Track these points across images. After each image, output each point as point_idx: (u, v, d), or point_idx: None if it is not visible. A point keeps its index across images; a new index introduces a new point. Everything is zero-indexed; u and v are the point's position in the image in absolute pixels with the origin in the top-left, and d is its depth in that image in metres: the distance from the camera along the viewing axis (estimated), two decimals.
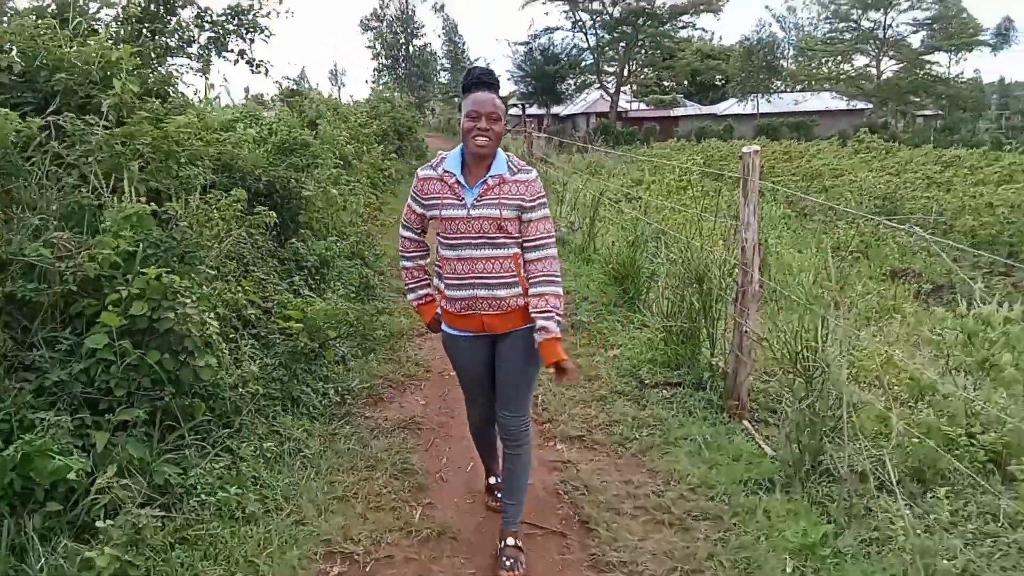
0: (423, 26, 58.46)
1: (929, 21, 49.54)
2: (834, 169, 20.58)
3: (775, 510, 3.42)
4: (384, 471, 3.89)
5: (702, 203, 9.31)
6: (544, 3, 50.85)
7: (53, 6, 5.54)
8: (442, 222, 2.94)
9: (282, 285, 5.50)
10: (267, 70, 10.60)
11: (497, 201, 2.86)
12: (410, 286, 3.26)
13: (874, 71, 51.32)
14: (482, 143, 2.84)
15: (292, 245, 6.28)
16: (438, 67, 60.75)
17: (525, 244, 2.92)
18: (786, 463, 3.75)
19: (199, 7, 9.29)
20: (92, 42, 4.74)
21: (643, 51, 51.21)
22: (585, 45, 51.07)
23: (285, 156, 7.40)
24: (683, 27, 52.01)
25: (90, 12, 5.89)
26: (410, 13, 55.56)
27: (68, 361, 3.20)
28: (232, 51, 9.99)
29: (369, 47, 56.19)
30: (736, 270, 4.59)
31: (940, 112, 51.13)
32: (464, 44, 61.79)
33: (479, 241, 2.88)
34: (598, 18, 49.86)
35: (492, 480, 3.66)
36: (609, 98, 50.70)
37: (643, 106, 53.16)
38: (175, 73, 6.87)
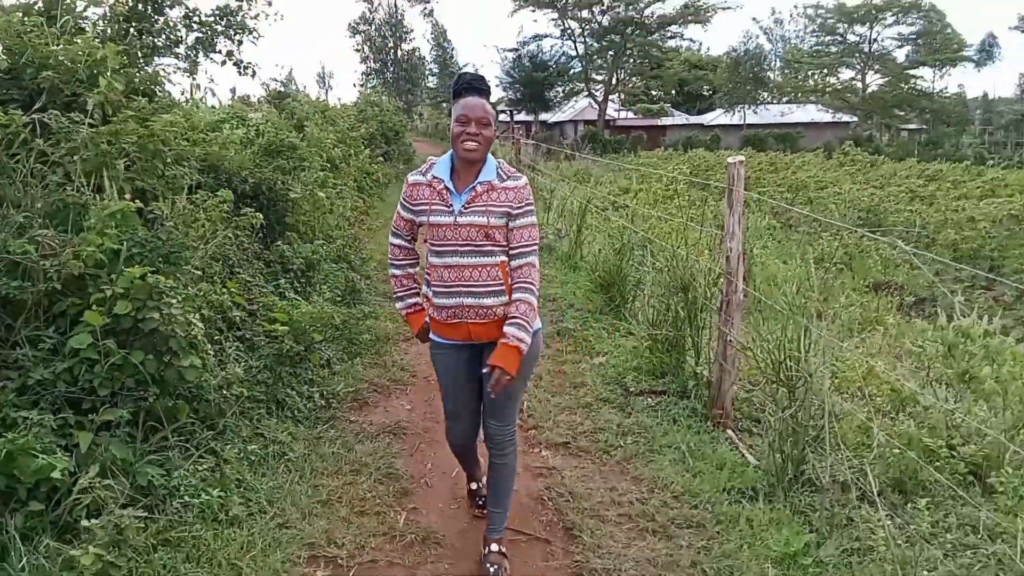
0: (412, 30, 58.38)
1: (914, 36, 50.21)
2: (819, 181, 20.76)
3: (758, 519, 3.44)
4: (369, 475, 3.88)
5: (688, 212, 9.37)
6: (533, 11, 50.76)
7: (40, 3, 5.50)
8: (430, 228, 2.91)
9: (268, 287, 5.49)
10: (254, 72, 10.60)
11: (485, 208, 2.83)
12: (399, 294, 3.20)
13: (859, 84, 51.90)
14: (471, 148, 2.81)
15: (278, 248, 6.26)
16: (426, 72, 60.66)
17: (510, 251, 2.88)
18: (769, 472, 3.78)
19: (187, 7, 9.27)
20: (79, 40, 4.71)
21: (631, 60, 51.48)
22: (574, 53, 51.27)
23: (272, 158, 7.38)
24: (671, 37, 52.35)
25: (77, 10, 5.86)
26: (399, 17, 55.51)
27: (51, 360, 3.18)
28: (220, 52, 9.98)
29: (357, 50, 56.06)
30: (721, 279, 4.62)
31: (924, 126, 51.74)
32: (453, 49, 61.75)
33: (466, 248, 2.85)
34: (587, 26, 50.08)
35: (474, 486, 3.64)
36: (597, 106, 50.88)
37: (631, 115, 53.36)
38: (162, 73, 6.85)
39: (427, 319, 3.12)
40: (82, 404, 3.14)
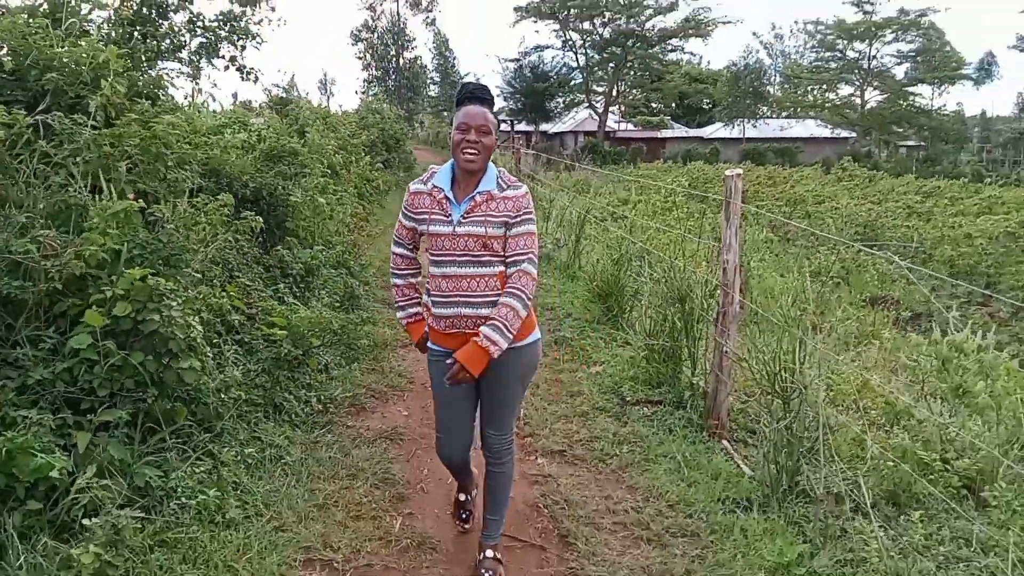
0: (414, 39, 58.68)
1: (913, 54, 50.44)
2: (817, 196, 20.85)
3: (752, 529, 3.45)
4: (365, 480, 3.89)
5: (686, 224, 9.41)
6: (535, 21, 51.10)
7: (45, 6, 5.54)
8: (429, 238, 2.91)
9: (267, 292, 5.50)
10: (257, 77, 10.63)
11: (483, 218, 2.81)
12: (399, 304, 3.18)
13: (858, 100, 52.09)
14: (470, 157, 2.80)
15: (278, 252, 6.28)
16: (428, 80, 60.86)
17: (506, 259, 2.86)
18: (764, 483, 3.80)
19: (191, 12, 9.30)
20: (83, 43, 4.75)
21: (632, 72, 51.71)
22: (575, 64, 51.53)
23: (273, 163, 7.40)
24: (672, 50, 52.60)
25: (82, 13, 5.89)
26: (401, 26, 55.73)
27: (51, 360, 3.19)
28: (223, 57, 10.01)
29: (359, 58, 56.23)
30: (718, 291, 4.64)
31: (923, 143, 51.92)
32: (454, 59, 61.96)
33: (464, 259, 2.83)
34: (588, 38, 50.35)
35: (463, 497, 3.56)
36: (597, 117, 51.08)
37: (631, 126, 53.56)
38: (165, 77, 6.88)
39: (427, 328, 3.11)
40: (81, 404, 3.15)
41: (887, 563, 3.00)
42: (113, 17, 7.38)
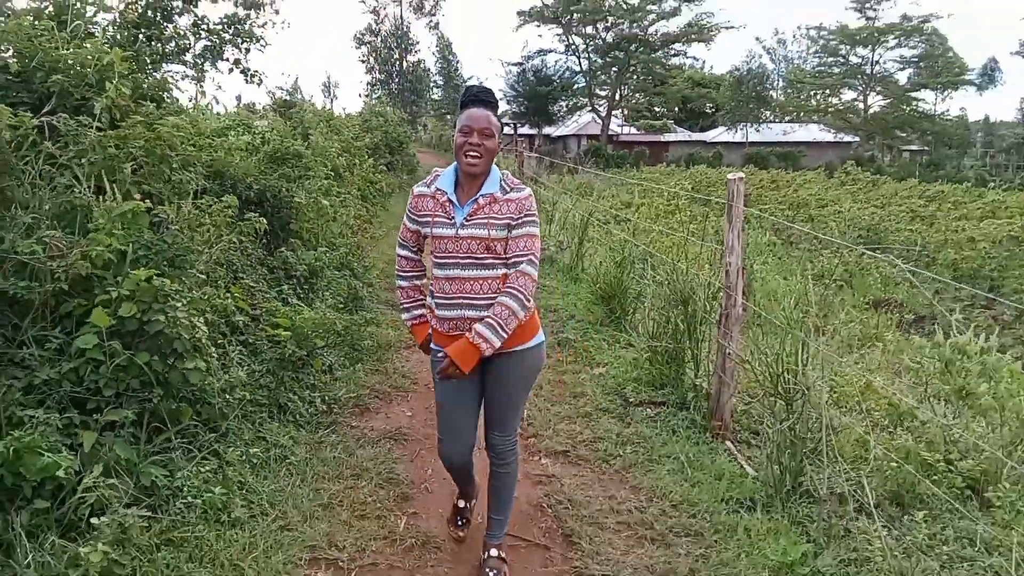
0: (417, 43, 58.78)
1: (916, 59, 50.46)
2: (820, 199, 20.84)
3: (756, 529, 3.46)
4: (369, 480, 3.91)
5: (689, 227, 9.42)
6: (538, 26, 51.21)
7: (50, 8, 5.57)
8: (433, 240, 2.91)
9: (271, 293, 5.52)
10: (261, 80, 10.66)
11: (486, 221, 2.81)
12: (404, 306, 3.19)
13: (861, 105, 52.11)
14: (473, 160, 2.79)
15: (282, 254, 6.30)
16: (431, 84, 60.97)
17: (506, 259, 2.85)
18: (767, 483, 3.80)
19: (196, 15, 9.34)
20: (88, 45, 4.77)
21: (635, 76, 51.75)
22: (578, 68, 51.62)
23: (277, 165, 7.43)
24: (675, 55, 52.67)
25: (87, 15, 5.92)
26: (405, 29, 55.84)
27: (58, 360, 3.21)
28: (227, 60, 10.04)
29: (363, 61, 56.35)
30: (720, 293, 4.65)
31: (926, 148, 51.89)
32: (458, 62, 62.04)
33: (467, 261, 2.84)
34: (591, 42, 50.43)
35: (462, 503, 3.51)
36: (600, 121, 51.11)
37: (634, 130, 53.59)
38: (170, 80, 6.91)
39: (430, 330, 3.12)
40: (87, 404, 3.17)
41: (890, 563, 3.00)
42: (118, 20, 7.42)
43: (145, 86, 5.44)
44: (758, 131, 50.79)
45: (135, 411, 3.22)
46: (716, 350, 4.65)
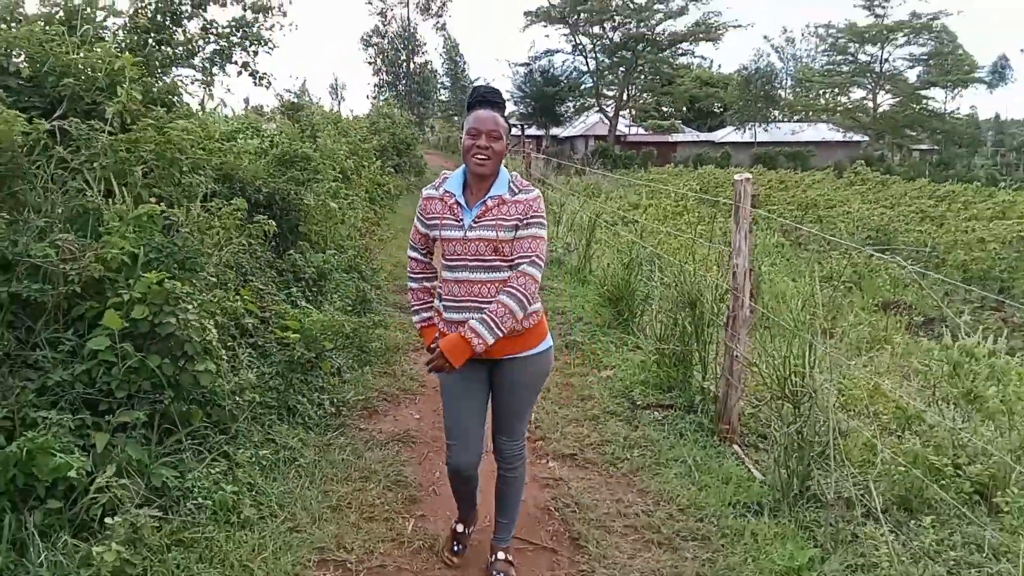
0: (424, 44, 58.73)
1: (925, 57, 50.22)
2: (829, 200, 20.78)
3: (763, 533, 3.46)
4: (378, 482, 3.93)
5: (697, 229, 9.41)
6: (545, 26, 51.21)
7: (61, 13, 5.61)
8: (442, 243, 2.91)
9: (280, 296, 5.56)
10: (270, 83, 10.70)
11: (495, 222, 2.80)
12: (415, 308, 3.16)
13: (871, 104, 51.91)
14: (481, 161, 2.79)
15: (290, 257, 6.33)
16: (438, 85, 61.04)
17: (511, 260, 2.83)
18: (774, 487, 3.80)
19: (205, 19, 9.39)
20: (98, 49, 4.81)
21: (642, 76, 51.70)
22: (585, 68, 51.59)
23: (286, 168, 7.46)
24: (682, 54, 52.58)
25: (97, 20, 5.96)
26: (412, 31, 55.91)
27: (70, 362, 3.25)
28: (236, 63, 10.09)
29: (370, 63, 56.46)
30: (728, 295, 4.66)
31: (936, 147, 51.67)
32: (465, 63, 62.07)
33: (475, 263, 2.83)
34: (598, 42, 50.39)
35: (460, 528, 3.36)
36: (608, 121, 51.09)
37: (641, 131, 53.57)
38: (180, 84, 6.95)
39: (438, 333, 3.08)
40: (99, 405, 3.20)
41: (897, 568, 3.00)
42: (128, 24, 7.47)
43: (155, 90, 5.48)
44: (766, 131, 50.71)
45: (146, 412, 3.25)
46: (724, 352, 4.65)
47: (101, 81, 4.60)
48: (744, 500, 3.79)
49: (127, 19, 7.27)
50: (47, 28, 4.83)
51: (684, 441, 4.52)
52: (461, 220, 2.85)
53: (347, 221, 8.94)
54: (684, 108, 55.93)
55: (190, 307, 3.46)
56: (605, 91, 52.53)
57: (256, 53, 10.15)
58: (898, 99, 51.21)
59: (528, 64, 52.49)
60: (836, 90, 52.93)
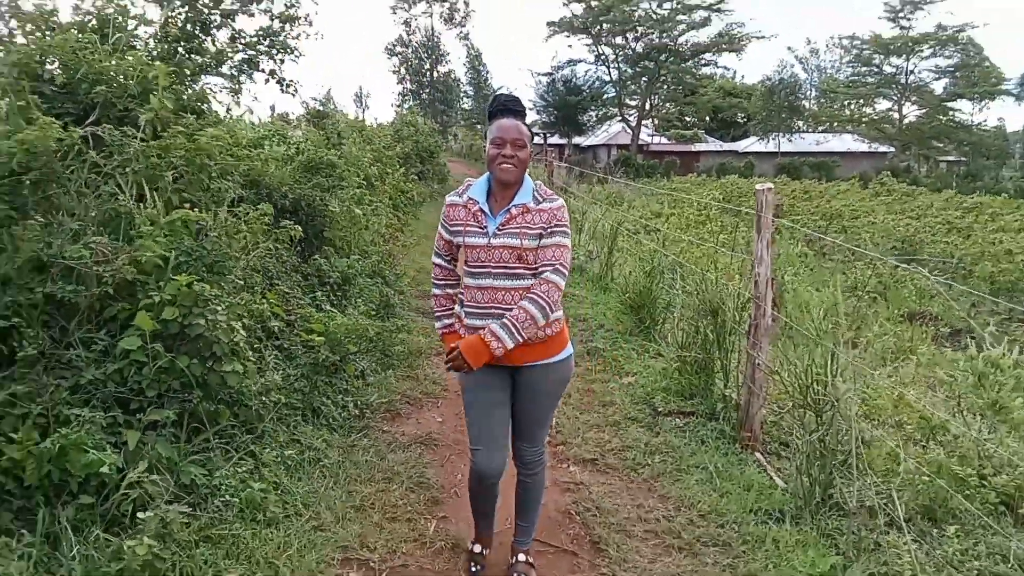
0: (448, 53, 59.24)
1: (952, 69, 49.71)
2: (854, 210, 20.63)
3: (784, 540, 3.45)
4: (400, 484, 3.97)
5: (719, 238, 9.39)
6: (568, 36, 51.38)
7: (94, 21, 5.73)
8: (465, 250, 2.92)
9: (305, 300, 5.63)
10: (296, 90, 10.85)
11: (519, 231, 2.81)
12: (438, 314, 3.17)
13: (896, 115, 51.45)
14: (507, 170, 2.81)
15: (315, 261, 6.41)
16: (461, 94, 61.39)
17: (535, 269, 2.84)
18: (796, 495, 3.79)
19: (234, 29, 9.56)
20: (130, 57, 4.91)
21: (665, 86, 51.67)
22: (607, 78, 51.61)
23: (311, 175, 7.55)
24: (705, 65, 52.48)
25: (129, 29, 6.08)
26: (435, 40, 56.34)
27: (103, 361, 3.32)
28: (263, 71, 10.25)
29: (394, 72, 56.96)
30: (750, 304, 4.66)
31: (963, 158, 51.07)
32: (488, 72, 62.36)
33: (499, 271, 2.84)
34: (621, 53, 50.42)
35: (477, 548, 3.29)
36: (630, 131, 51.08)
37: (664, 140, 53.47)
38: (209, 91, 7.07)
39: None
40: (130, 404, 3.27)
41: None
42: (159, 33, 7.61)
43: (185, 98, 5.59)
44: (790, 141, 50.43)
45: (176, 411, 3.32)
46: (745, 361, 4.65)
47: (133, 88, 4.69)
48: (766, 507, 3.79)
49: (157, 28, 7.41)
50: (80, 36, 4.94)
51: (705, 448, 4.52)
52: (485, 227, 2.87)
53: (371, 227, 9.02)
54: (707, 118, 55.77)
55: (219, 309, 3.52)
56: (627, 101, 52.51)
57: (283, 61, 10.32)
58: (924, 110, 50.72)
59: (551, 74, 52.61)
60: (861, 101, 52.56)
